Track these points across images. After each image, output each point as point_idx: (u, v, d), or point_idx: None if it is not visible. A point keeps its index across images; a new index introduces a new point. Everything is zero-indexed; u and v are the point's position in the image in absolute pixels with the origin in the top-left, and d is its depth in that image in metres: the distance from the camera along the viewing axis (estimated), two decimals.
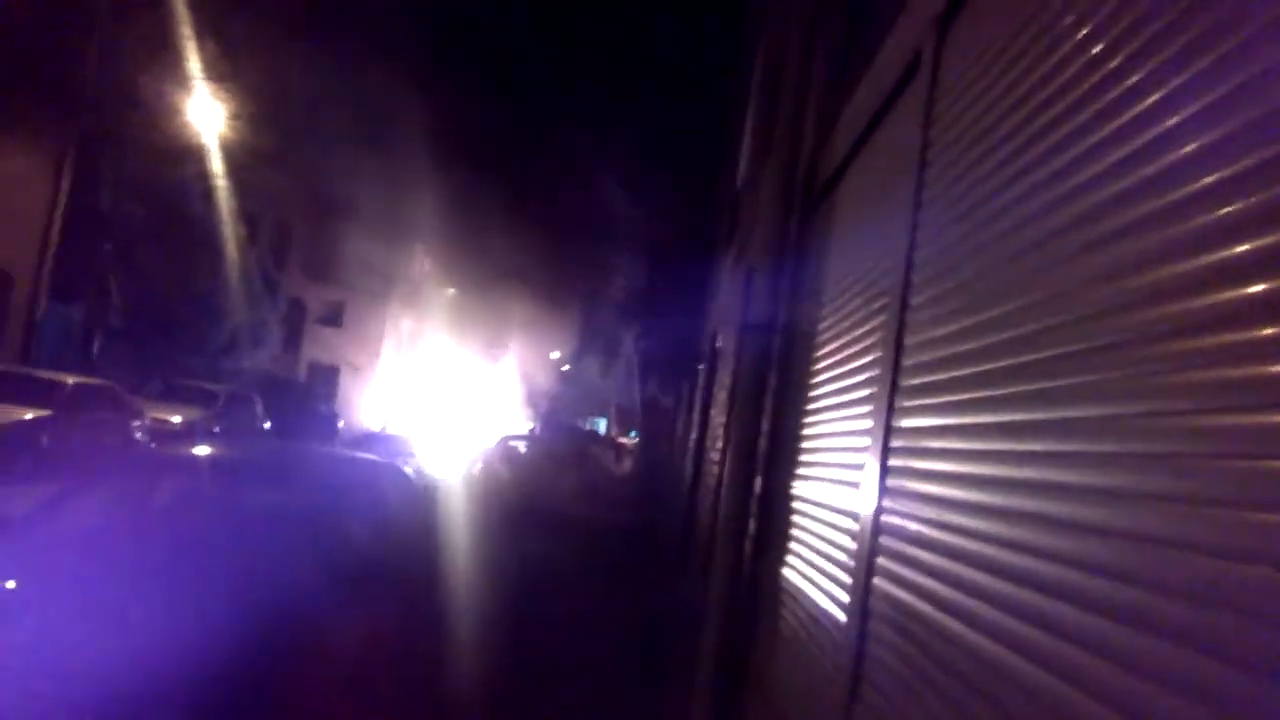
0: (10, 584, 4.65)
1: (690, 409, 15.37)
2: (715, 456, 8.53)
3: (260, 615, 4.64)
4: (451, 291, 45.72)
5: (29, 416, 13.08)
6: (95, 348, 22.48)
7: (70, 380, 14.58)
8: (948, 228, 2.49)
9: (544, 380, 54.08)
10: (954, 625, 1.96)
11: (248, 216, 26.73)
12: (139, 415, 16.49)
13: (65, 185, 20.68)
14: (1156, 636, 1.24)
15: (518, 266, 39.06)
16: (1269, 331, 1.11)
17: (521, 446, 25.49)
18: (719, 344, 10.42)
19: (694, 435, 12.56)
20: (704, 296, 15.89)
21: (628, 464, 31.83)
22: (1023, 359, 1.86)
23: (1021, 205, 2.00)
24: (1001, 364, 1.97)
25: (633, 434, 39.83)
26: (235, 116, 23.46)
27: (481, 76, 35.38)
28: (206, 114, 22.97)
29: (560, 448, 25.65)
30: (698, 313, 16.67)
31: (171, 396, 20.09)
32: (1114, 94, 1.65)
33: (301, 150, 27.41)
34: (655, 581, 12.51)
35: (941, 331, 2.38)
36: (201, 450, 8.75)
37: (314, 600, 5.12)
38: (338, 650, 5.47)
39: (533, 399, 50.62)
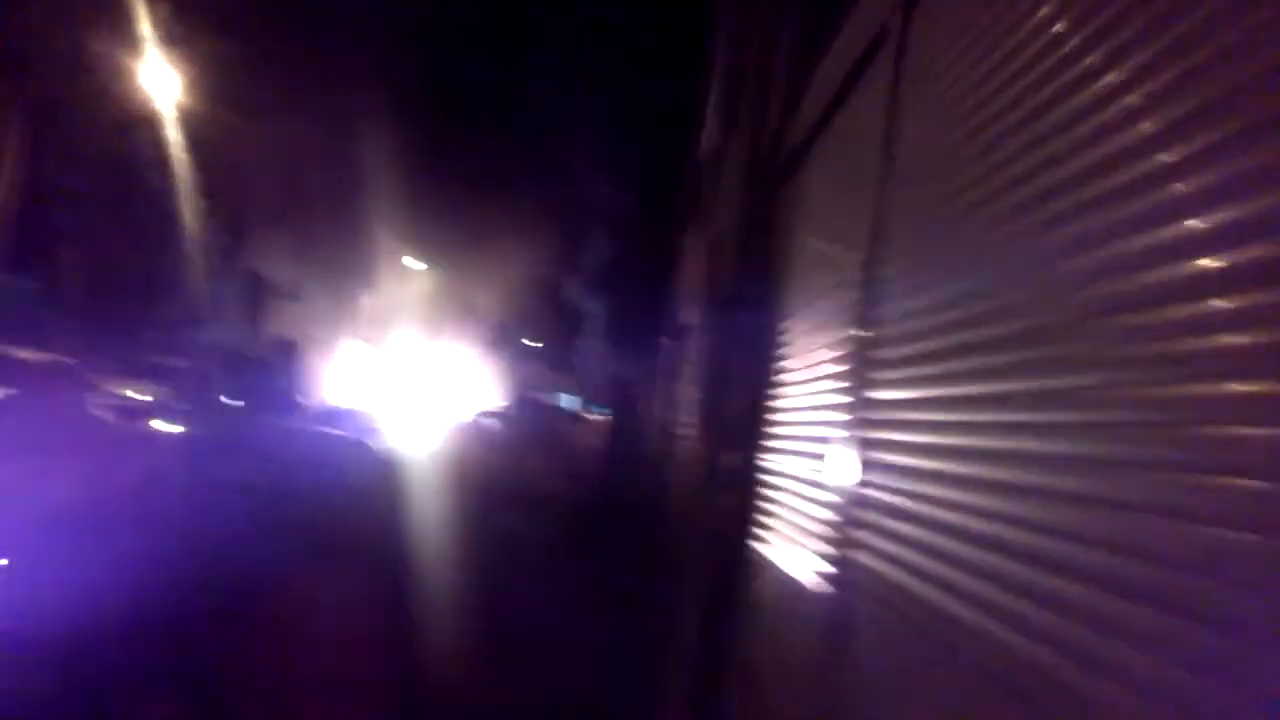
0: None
1: (657, 384, 15.40)
2: (683, 432, 8.57)
3: (233, 590, 4.66)
4: (421, 266, 45.21)
5: None
6: (46, 321, 22.06)
7: (32, 357, 14.31)
8: (916, 204, 2.52)
9: (514, 355, 53.82)
10: (916, 586, 2.00)
11: (205, 187, 26.19)
12: (95, 391, 16.25)
13: (12, 154, 20.24)
14: (1117, 595, 1.28)
15: (486, 242, 38.65)
16: (1221, 304, 1.13)
17: (493, 423, 25.34)
18: (685, 319, 10.45)
19: (662, 411, 12.59)
20: (670, 270, 15.88)
21: (597, 441, 31.82)
22: (990, 333, 1.90)
23: (986, 181, 2.03)
24: (969, 338, 2.01)
25: (595, 410, 39.73)
26: (193, 85, 22.87)
27: (451, 49, 34.72)
28: (161, 80, 22.36)
29: (531, 424, 25.59)
30: (665, 287, 16.64)
31: (134, 372, 19.81)
32: (1076, 71, 1.67)
33: (263, 119, 26.87)
34: (629, 560, 12.54)
35: (911, 305, 2.42)
36: (168, 426, 8.64)
37: (286, 576, 5.13)
38: (306, 623, 5.49)
39: (503, 374, 50.37)
